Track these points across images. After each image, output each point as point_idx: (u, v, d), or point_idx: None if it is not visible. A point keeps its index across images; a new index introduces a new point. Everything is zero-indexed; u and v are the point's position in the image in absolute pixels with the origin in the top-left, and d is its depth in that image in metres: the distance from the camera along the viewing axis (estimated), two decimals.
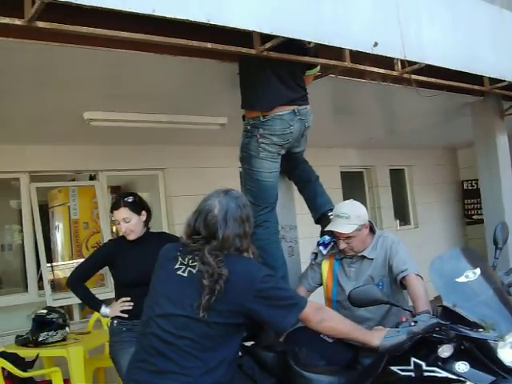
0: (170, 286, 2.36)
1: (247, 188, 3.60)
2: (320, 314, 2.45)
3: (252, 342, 3.07)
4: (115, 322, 3.69)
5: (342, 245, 3.32)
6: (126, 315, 3.61)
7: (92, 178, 6.95)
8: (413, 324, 2.42)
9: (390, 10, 3.69)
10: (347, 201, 3.52)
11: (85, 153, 6.37)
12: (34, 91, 4.25)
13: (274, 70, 3.53)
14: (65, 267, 7.15)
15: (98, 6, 2.52)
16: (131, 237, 3.71)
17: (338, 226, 3.30)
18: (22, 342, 4.97)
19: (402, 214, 10.36)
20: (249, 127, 3.54)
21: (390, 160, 9.95)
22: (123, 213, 3.68)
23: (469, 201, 11.30)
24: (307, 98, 3.68)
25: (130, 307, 3.61)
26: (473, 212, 11.21)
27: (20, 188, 6.26)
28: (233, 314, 2.27)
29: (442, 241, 10.37)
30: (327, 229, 3.44)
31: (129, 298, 3.63)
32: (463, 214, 11.41)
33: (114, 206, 3.74)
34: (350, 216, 3.28)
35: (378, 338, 2.43)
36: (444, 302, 2.46)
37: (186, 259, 2.37)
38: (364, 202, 9.34)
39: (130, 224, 3.68)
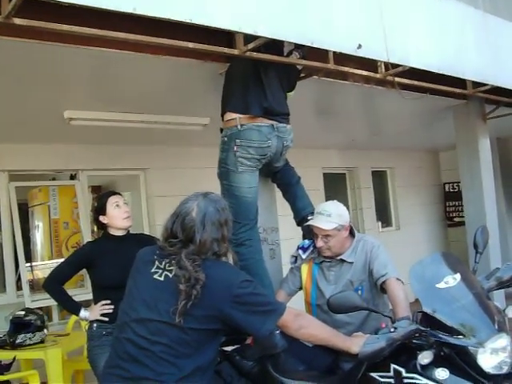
0: (145, 291, 2.32)
1: None
2: (299, 320, 2.42)
3: (231, 348, 3.03)
4: (95, 325, 3.60)
5: (320, 243, 3.30)
6: (107, 318, 3.53)
7: (72, 177, 6.89)
8: (392, 330, 2.39)
9: (373, 13, 3.68)
10: (330, 200, 3.52)
11: (65, 152, 6.30)
12: (12, 89, 4.19)
13: (265, 80, 3.51)
14: (44, 267, 7.07)
15: (77, 3, 2.48)
16: (129, 223, 3.69)
17: (318, 222, 3.29)
18: None
19: (383, 216, 10.39)
20: (226, 139, 3.49)
21: (373, 162, 9.98)
22: (122, 198, 3.70)
23: (450, 203, 11.38)
24: (288, 118, 3.65)
25: (111, 310, 3.51)
26: (454, 214, 11.28)
27: None
28: (209, 319, 2.23)
29: (423, 243, 10.43)
30: (308, 223, 3.43)
31: (109, 301, 3.54)
32: (445, 216, 11.49)
33: (112, 193, 3.74)
34: (331, 214, 3.27)
35: (357, 344, 2.40)
36: (424, 307, 2.44)
37: (163, 263, 2.33)
38: (346, 204, 9.34)
39: (128, 208, 3.69)
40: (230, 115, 3.48)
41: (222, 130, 3.57)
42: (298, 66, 3.86)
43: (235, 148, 3.42)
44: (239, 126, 3.41)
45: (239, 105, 3.47)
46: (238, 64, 3.66)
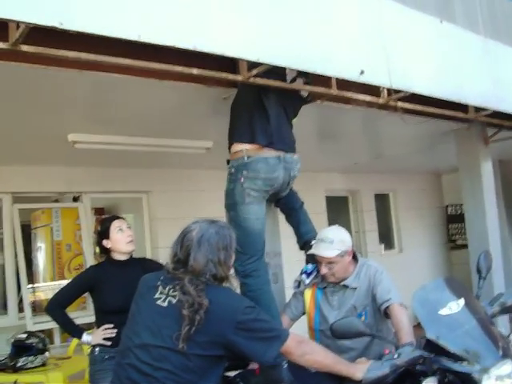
0: (149, 316, 2.32)
1: None
2: (302, 347, 2.41)
3: (234, 373, 3.02)
4: (97, 349, 3.59)
5: (324, 270, 3.30)
6: (109, 343, 3.52)
7: (76, 199, 6.90)
8: (396, 356, 2.39)
9: (375, 39, 3.72)
10: (332, 226, 3.53)
11: (69, 174, 6.34)
12: (17, 112, 4.22)
13: (270, 109, 3.50)
14: (46, 289, 7.08)
15: (84, 31, 2.50)
16: (132, 247, 3.70)
17: (320, 250, 3.29)
18: (0, 367, 4.87)
19: (386, 239, 10.37)
20: (233, 170, 3.45)
21: (375, 185, 9.99)
22: (125, 222, 3.73)
23: (453, 225, 11.36)
24: (295, 147, 3.63)
25: (114, 334, 3.51)
26: (457, 237, 11.26)
27: (2, 209, 6.20)
28: (213, 345, 2.23)
29: (426, 265, 10.40)
30: (310, 252, 3.42)
31: (111, 325, 3.54)
32: (447, 239, 11.46)
33: (115, 217, 3.77)
34: (333, 240, 3.27)
35: (361, 370, 2.39)
36: (427, 334, 2.43)
37: (167, 289, 2.34)
38: (349, 227, 9.37)
39: (132, 232, 3.72)
40: (236, 147, 3.46)
41: (228, 162, 3.56)
42: (302, 94, 3.85)
43: (242, 179, 3.38)
44: (246, 158, 3.38)
45: (245, 135, 3.45)
46: (242, 96, 3.66)
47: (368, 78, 3.57)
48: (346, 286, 3.31)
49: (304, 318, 3.51)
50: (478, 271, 2.96)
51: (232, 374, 3.02)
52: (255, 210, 3.42)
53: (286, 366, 2.59)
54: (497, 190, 6.76)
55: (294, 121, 3.85)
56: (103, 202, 8.05)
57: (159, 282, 2.37)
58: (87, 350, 3.78)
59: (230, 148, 3.56)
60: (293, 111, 3.76)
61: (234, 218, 3.44)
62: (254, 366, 2.96)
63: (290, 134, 3.64)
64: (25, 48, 2.68)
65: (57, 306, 3.69)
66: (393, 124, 5.32)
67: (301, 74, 3.66)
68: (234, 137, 3.53)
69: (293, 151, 3.58)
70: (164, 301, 2.31)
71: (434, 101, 4.49)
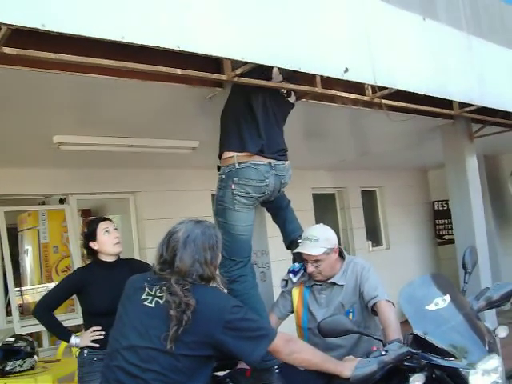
0: (136, 318, 2.32)
1: None
2: (290, 345, 2.42)
3: (223, 372, 3.02)
4: (85, 351, 3.58)
5: (310, 268, 3.31)
6: (98, 345, 3.51)
7: (62, 201, 6.88)
8: (384, 353, 2.40)
9: (360, 36, 3.72)
10: (317, 225, 3.53)
11: (54, 176, 6.31)
12: (1, 115, 4.19)
13: (260, 117, 3.46)
14: (34, 292, 7.03)
15: (67, 32, 2.49)
16: (119, 248, 3.69)
17: (306, 248, 3.30)
18: None
19: (374, 235, 10.41)
20: (223, 176, 3.42)
21: (362, 181, 10.02)
22: (112, 224, 3.72)
23: (440, 221, 11.42)
24: (286, 154, 3.60)
25: (102, 336, 3.50)
26: (444, 232, 11.32)
27: None
28: (201, 345, 2.23)
29: (414, 261, 10.45)
30: (296, 251, 3.43)
31: (99, 327, 3.53)
32: (434, 235, 11.52)
33: (101, 219, 3.76)
34: (318, 239, 3.29)
35: (349, 368, 2.40)
36: (414, 330, 2.45)
37: (154, 290, 2.34)
38: (336, 224, 9.40)
39: (118, 234, 3.71)
40: (227, 154, 3.43)
41: (219, 168, 3.53)
42: (290, 99, 3.83)
43: (233, 186, 3.35)
44: (237, 165, 3.34)
45: (235, 143, 3.40)
46: (231, 103, 3.62)
47: (352, 76, 3.56)
48: (333, 284, 3.32)
49: (292, 317, 3.51)
50: (464, 267, 2.98)
51: (221, 373, 3.02)
52: (244, 217, 3.40)
53: (277, 370, 2.59)
54: (482, 184, 6.81)
55: None
56: (90, 204, 8.02)
57: (146, 283, 2.37)
58: (76, 352, 3.76)
59: (220, 156, 3.54)
60: (282, 117, 3.72)
61: (222, 224, 3.41)
62: (242, 365, 2.97)
63: (280, 140, 3.60)
64: (7, 50, 2.67)
65: (44, 309, 3.67)
66: (378, 121, 5.34)
67: (287, 78, 3.64)
68: (224, 145, 3.49)
69: (284, 158, 3.55)
70: (151, 302, 2.31)
71: (418, 97, 4.50)
